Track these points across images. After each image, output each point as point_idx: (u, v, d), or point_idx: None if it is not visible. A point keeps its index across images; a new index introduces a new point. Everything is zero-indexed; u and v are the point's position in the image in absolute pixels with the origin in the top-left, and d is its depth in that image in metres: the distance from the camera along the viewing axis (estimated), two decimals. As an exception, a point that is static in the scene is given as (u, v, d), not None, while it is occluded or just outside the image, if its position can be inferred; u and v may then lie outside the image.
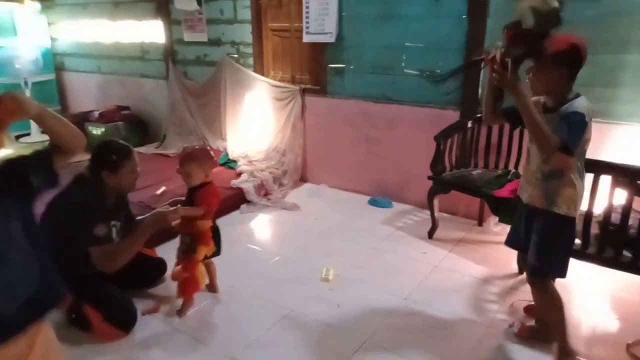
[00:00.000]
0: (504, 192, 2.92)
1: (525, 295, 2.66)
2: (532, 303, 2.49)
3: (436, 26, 3.54)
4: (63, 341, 2.27)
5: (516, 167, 3.25)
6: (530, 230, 2.08)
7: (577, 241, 2.33)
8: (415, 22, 3.64)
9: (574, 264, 2.44)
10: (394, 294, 2.71)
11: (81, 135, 1.47)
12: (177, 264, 2.54)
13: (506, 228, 2.39)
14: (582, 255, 2.34)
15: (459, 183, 3.20)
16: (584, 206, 2.23)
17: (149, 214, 2.51)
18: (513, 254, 2.90)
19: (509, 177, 3.12)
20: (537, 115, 1.83)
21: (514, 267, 2.93)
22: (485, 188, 3.03)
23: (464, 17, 3.39)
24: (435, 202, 3.32)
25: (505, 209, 2.84)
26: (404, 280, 2.86)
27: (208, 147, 2.68)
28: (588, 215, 2.27)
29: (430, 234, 3.40)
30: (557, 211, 1.96)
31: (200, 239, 2.48)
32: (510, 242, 2.27)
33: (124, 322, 2.38)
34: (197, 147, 2.64)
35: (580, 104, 1.87)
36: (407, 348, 2.27)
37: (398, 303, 2.64)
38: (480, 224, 3.60)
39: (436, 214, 3.35)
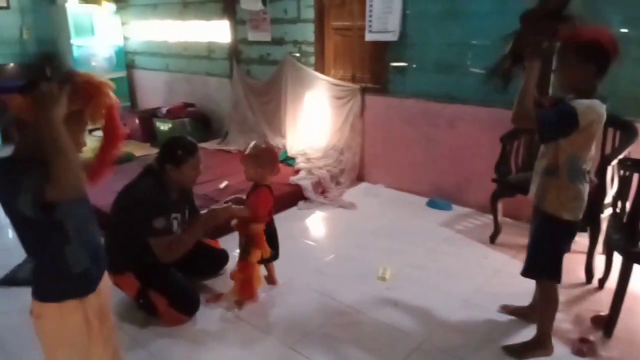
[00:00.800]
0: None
1: (593, 304, 2.55)
2: (600, 313, 2.38)
3: (504, 23, 3.39)
4: (131, 324, 2.44)
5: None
6: None
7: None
8: (482, 19, 3.54)
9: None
10: (453, 296, 2.66)
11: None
12: (237, 264, 2.60)
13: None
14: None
15: (525, 186, 3.07)
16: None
17: (206, 210, 2.59)
18: (580, 262, 2.78)
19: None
20: (532, 83, 1.81)
21: (581, 276, 2.79)
22: (554, 192, 2.90)
23: (534, 14, 3.27)
24: (499, 205, 3.22)
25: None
26: (464, 283, 2.80)
27: (274, 148, 2.70)
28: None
29: (493, 239, 3.29)
30: (544, 209, 1.96)
31: (253, 242, 2.52)
32: None
33: (188, 307, 2.48)
34: (264, 146, 2.63)
35: (585, 102, 1.77)
36: (465, 352, 2.22)
37: (457, 305, 2.58)
38: (546, 229, 3.45)
39: (499, 218, 3.25)
